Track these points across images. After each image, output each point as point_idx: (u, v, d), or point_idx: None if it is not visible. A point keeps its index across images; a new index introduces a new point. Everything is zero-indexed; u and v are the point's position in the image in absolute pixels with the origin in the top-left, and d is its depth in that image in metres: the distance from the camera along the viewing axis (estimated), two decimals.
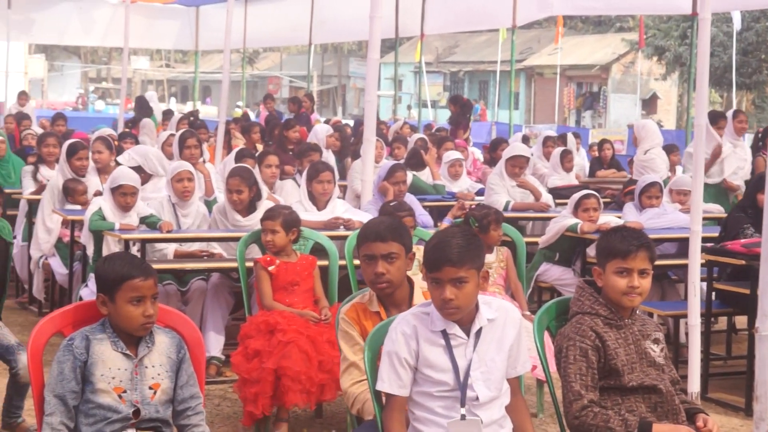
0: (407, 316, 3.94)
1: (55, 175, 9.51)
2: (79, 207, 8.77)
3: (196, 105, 28.53)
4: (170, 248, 8.01)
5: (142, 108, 20.24)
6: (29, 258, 9.43)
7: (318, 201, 8.16)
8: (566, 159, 12.15)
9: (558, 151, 12.38)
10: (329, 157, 11.78)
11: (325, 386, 5.96)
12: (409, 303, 4.55)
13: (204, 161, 10.06)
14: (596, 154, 15.07)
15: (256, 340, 6.11)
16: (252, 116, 24.50)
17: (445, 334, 3.87)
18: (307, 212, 7.91)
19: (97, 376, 3.89)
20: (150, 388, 3.97)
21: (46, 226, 9.14)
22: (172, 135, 11.75)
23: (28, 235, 9.61)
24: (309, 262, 6.59)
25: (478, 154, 14.53)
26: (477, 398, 3.85)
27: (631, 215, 8.98)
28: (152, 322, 3.99)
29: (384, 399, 3.97)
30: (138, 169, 8.76)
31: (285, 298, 6.42)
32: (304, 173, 8.38)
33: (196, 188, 8.23)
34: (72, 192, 8.97)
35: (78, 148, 9.26)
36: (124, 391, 3.92)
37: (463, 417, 3.83)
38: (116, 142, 11.79)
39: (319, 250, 6.95)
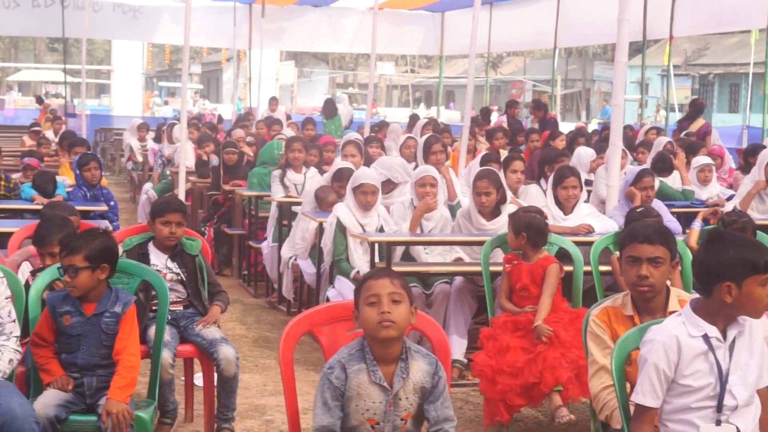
0: (667, 327, 3.85)
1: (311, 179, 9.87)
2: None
3: (439, 110, 28.83)
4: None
5: (329, 109, 20.80)
6: (279, 259, 9.72)
7: (564, 206, 8.09)
8: None
9: None
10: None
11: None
12: (663, 311, 4.47)
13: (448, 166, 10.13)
14: None
15: (503, 335, 6.15)
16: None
17: (706, 338, 3.79)
18: (554, 218, 7.88)
19: (352, 407, 3.90)
20: (402, 419, 3.95)
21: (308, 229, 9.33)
22: (411, 138, 11.87)
23: (279, 237, 9.91)
24: (542, 263, 6.48)
25: (729, 158, 14.05)
26: (735, 406, 3.77)
27: None
28: (390, 322, 3.85)
29: (633, 408, 3.90)
30: (386, 182, 8.94)
31: (519, 303, 6.45)
32: (550, 178, 8.33)
33: (439, 193, 8.30)
34: (320, 202, 9.16)
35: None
36: (378, 423, 3.92)
37: (718, 422, 3.77)
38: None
39: (564, 256, 6.89)
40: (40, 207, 8.06)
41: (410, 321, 3.94)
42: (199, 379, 6.39)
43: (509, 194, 8.32)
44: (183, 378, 6.52)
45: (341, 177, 9.02)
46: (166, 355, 5.64)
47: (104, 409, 4.75)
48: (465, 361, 7.39)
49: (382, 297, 3.88)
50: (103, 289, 5.01)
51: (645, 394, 3.81)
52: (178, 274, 6.17)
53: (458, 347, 7.46)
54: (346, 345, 3.99)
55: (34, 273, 5.69)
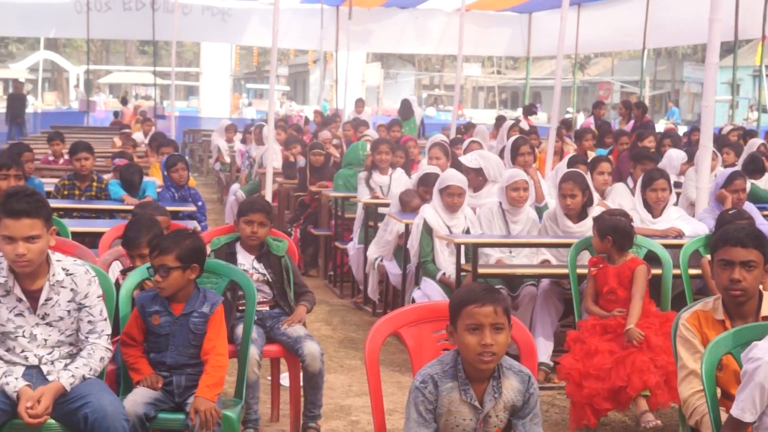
0: None
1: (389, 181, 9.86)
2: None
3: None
4: (494, 257, 8.06)
5: (405, 110, 20.91)
6: (365, 260, 9.75)
7: (653, 209, 7.98)
8: None
9: None
10: None
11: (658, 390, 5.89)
12: (756, 315, 4.41)
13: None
14: None
15: (591, 338, 6.11)
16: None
17: None
18: (642, 221, 7.80)
19: (441, 422, 3.87)
20: None
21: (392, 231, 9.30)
22: (474, 142, 11.75)
23: (365, 238, 9.93)
24: (629, 265, 6.41)
25: None
26: None
27: None
28: (492, 354, 3.76)
29: (723, 414, 3.84)
30: (478, 171, 8.92)
31: (606, 306, 6.39)
32: (639, 180, 8.23)
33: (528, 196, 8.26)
34: (404, 205, 9.14)
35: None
36: None
37: None
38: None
39: (653, 259, 6.81)
40: (131, 207, 8.15)
41: (507, 342, 3.85)
42: (285, 380, 6.43)
43: (596, 196, 8.25)
44: (269, 378, 6.57)
45: (427, 182, 9.00)
46: (252, 351, 5.68)
47: (192, 407, 4.80)
48: (551, 364, 7.35)
49: (485, 328, 3.76)
50: (191, 289, 5.07)
51: (745, 411, 3.73)
52: (264, 275, 6.21)
53: (544, 350, 7.42)
54: (439, 357, 3.93)
55: (124, 272, 5.77)
